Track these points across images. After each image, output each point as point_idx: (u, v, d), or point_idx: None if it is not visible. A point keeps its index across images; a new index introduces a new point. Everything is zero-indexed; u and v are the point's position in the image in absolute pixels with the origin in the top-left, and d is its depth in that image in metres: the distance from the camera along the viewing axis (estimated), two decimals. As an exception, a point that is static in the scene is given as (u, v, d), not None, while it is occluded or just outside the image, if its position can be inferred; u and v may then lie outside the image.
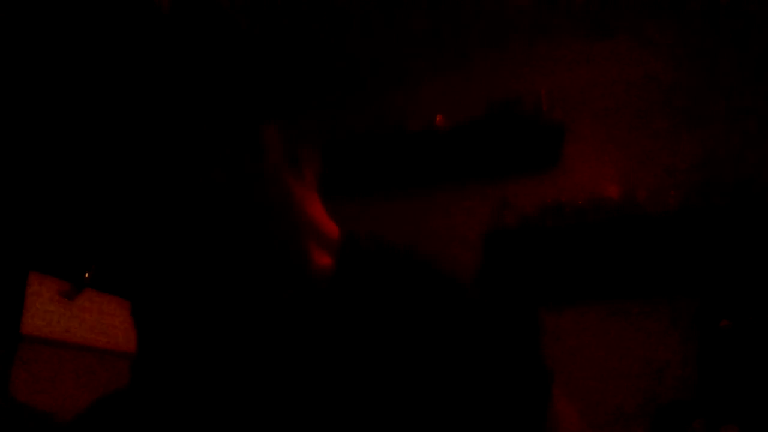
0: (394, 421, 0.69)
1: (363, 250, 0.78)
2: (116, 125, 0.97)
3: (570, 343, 2.73)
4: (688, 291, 2.71)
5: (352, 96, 3.36)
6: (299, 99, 0.81)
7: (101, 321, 2.04)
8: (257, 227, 0.69)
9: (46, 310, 1.84)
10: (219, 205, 0.72)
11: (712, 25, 2.96)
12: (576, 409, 0.82)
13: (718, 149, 2.84)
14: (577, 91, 3.08)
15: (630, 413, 2.64)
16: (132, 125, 0.97)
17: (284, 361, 0.69)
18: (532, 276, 2.87)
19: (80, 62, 0.98)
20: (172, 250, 0.73)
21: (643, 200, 2.79)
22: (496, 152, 3.07)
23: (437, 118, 3.12)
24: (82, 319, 1.99)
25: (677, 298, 2.73)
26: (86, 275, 1.78)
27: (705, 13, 2.95)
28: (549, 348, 0.83)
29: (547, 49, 3.17)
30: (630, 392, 2.67)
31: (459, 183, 3.15)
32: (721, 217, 2.65)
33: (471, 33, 3.23)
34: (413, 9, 3.10)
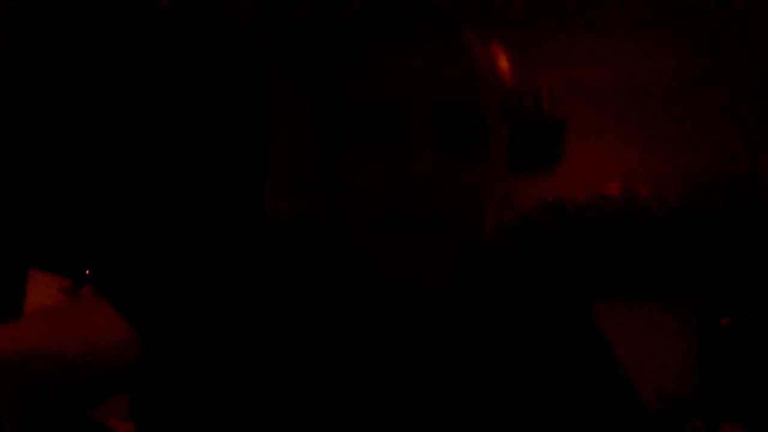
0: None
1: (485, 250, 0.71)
2: (117, 123, 0.97)
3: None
4: (688, 289, 2.70)
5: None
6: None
7: (102, 319, 2.03)
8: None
9: (47, 307, 1.83)
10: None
11: (714, 24, 2.95)
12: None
13: (718, 148, 2.83)
14: (579, 88, 3.07)
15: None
16: (133, 123, 0.97)
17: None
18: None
19: (81, 61, 0.97)
20: (185, 247, 0.69)
21: (644, 198, 2.78)
22: (497, 149, 3.06)
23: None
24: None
25: (678, 296, 2.73)
26: (87, 272, 1.78)
27: (708, 11, 2.94)
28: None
29: (548, 46, 3.16)
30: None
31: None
32: (722, 216, 2.65)
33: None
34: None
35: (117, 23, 0.94)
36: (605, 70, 3.07)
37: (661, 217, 2.72)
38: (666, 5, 3.00)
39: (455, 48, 0.58)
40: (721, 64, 2.92)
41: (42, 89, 0.95)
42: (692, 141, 2.87)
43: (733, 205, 2.65)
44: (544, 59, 3.15)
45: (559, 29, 3.15)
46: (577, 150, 3.02)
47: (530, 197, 2.95)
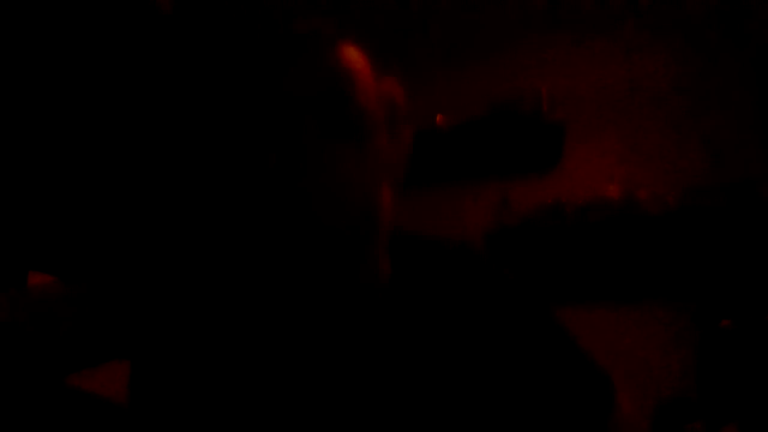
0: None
1: (419, 248, 0.78)
2: (117, 124, 0.97)
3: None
4: (687, 291, 2.71)
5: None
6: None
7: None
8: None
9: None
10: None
11: (712, 24, 2.95)
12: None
13: (718, 149, 2.84)
14: (578, 91, 3.07)
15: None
16: (133, 124, 0.97)
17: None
18: (531, 276, 2.86)
19: (81, 62, 0.98)
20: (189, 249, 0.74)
21: (643, 200, 2.78)
22: (497, 152, 3.06)
23: (437, 118, 3.11)
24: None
25: (677, 297, 2.73)
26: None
27: (706, 12, 2.95)
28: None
29: (548, 49, 3.17)
30: (629, 393, 2.66)
31: (459, 183, 3.15)
32: (721, 219, 2.65)
33: (471, 32, 3.23)
34: (412, 9, 3.10)
35: (118, 23, 0.94)
36: (605, 72, 3.07)
37: (660, 220, 2.72)
38: (667, 9, 3.01)
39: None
40: (721, 67, 2.93)
41: (41, 88, 0.95)
42: (691, 144, 2.88)
43: (731, 209, 2.65)
44: (544, 62, 3.16)
45: (560, 33, 3.16)
46: (577, 153, 3.02)
47: (529, 200, 2.95)
